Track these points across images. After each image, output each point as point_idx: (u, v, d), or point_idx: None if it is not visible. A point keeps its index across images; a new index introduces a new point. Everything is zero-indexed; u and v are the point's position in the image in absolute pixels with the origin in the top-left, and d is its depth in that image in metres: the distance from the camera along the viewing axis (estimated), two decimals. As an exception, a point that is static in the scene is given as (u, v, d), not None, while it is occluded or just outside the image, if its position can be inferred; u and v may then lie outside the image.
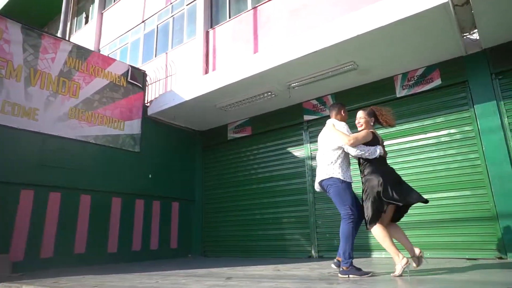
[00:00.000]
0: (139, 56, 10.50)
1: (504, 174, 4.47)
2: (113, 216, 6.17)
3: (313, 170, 6.20)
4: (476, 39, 4.86)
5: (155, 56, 9.88)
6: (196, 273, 4.07)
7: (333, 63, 5.19)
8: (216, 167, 7.79)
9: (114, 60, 6.82)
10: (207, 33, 8.61)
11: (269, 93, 6.01)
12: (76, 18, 13.94)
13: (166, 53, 9.50)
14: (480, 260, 4.30)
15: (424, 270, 3.35)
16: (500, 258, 4.31)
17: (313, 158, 6.25)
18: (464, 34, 4.89)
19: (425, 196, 4.80)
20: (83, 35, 12.93)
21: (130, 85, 6.81)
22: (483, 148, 4.65)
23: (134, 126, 6.71)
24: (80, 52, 6.05)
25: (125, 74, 6.75)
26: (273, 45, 5.31)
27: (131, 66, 6.93)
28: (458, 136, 4.94)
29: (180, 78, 8.33)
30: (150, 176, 6.89)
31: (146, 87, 7.36)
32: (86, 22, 13.37)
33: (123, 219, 6.30)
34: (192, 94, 6.29)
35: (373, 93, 5.75)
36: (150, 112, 7.02)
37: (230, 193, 7.37)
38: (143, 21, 10.73)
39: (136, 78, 6.94)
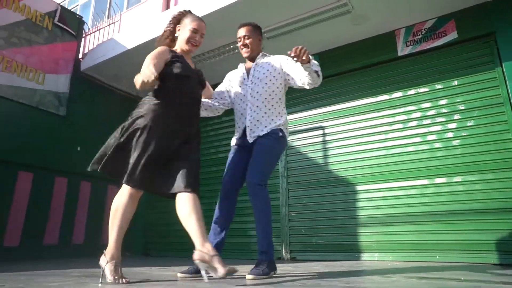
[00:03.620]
0: (89, 18, 8.85)
1: (540, 152, 3.35)
2: (18, 198, 4.54)
3: (287, 148, 4.88)
4: (506, -21, 3.75)
5: (108, 19, 8.29)
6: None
7: (323, 0, 3.92)
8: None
9: (35, -9, 5.23)
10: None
11: (236, 45, 4.63)
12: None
13: (121, 14, 7.95)
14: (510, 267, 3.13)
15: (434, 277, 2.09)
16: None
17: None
18: (492, -28, 3.78)
19: (437, 181, 3.68)
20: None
21: (58, 30, 5.23)
22: (514, 118, 3.52)
23: (60, 83, 5.13)
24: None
25: (52, 14, 5.17)
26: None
27: (62, 6, 5.36)
28: (479, 103, 3.77)
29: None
30: (78, 148, 5.31)
31: (83, 38, 5.81)
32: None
33: (33, 203, 4.68)
34: (137, 41, 4.82)
35: (368, 52, 4.54)
36: (83, 67, 5.46)
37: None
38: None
39: (67, 23, 5.36)
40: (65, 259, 4.57)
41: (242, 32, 2.66)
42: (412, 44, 4.28)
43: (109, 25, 6.44)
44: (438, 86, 4.05)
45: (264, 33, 4.38)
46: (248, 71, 2.66)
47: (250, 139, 2.50)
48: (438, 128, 3.92)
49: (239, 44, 2.68)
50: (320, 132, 4.68)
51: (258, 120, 2.49)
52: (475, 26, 3.93)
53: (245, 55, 2.66)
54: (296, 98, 4.95)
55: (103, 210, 5.58)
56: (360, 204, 4.20)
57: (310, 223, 4.47)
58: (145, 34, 4.72)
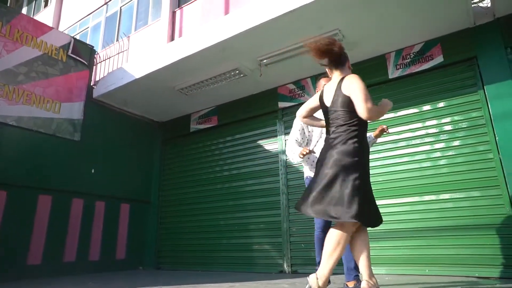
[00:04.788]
0: (99, 41, 9.32)
1: (522, 171, 3.56)
2: (39, 219, 4.92)
3: (287, 167, 5.17)
4: (487, 6, 3.99)
5: (117, 41, 8.72)
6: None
7: (315, 31, 4.19)
8: (176, 163, 6.64)
9: (51, 28, 5.63)
10: (173, 14, 7.56)
11: (237, 72, 4.96)
12: (35, 1, 12.62)
13: (129, 36, 8.37)
14: (493, 280, 3.34)
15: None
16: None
17: (288, 152, 5.22)
18: (474, 1, 4.01)
19: (426, 198, 3.92)
20: (41, 19, 11.61)
21: (72, 61, 5.63)
22: (496, 139, 3.73)
23: (74, 110, 5.52)
24: (0, 12, 4.86)
25: (66, 47, 5.57)
26: (243, 13, 4.30)
27: (74, 39, 5.77)
28: (464, 124, 4.01)
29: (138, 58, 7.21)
30: (92, 171, 5.69)
31: (94, 66, 6.21)
32: (46, 5, 12.08)
33: (52, 223, 5.06)
34: (144, 70, 5.17)
35: (361, 74, 4.74)
36: (95, 94, 5.85)
37: (191, 194, 6.23)
38: (105, 3, 9.59)
39: (81, 54, 5.77)
40: (83, 276, 4.93)
41: None
42: (401, 67, 4.53)
43: (118, 54, 6.84)
44: (426, 108, 4.29)
45: (262, 60, 4.74)
46: None
47: None
48: (427, 147, 4.16)
49: None
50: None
51: None
52: (459, 50, 4.17)
53: None
54: (290, 121, 5.24)
55: (117, 227, 5.96)
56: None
57: (310, 238, 4.72)
58: (152, 64, 5.07)
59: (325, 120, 2.39)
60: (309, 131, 3.00)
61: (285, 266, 4.84)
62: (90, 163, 5.70)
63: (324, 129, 2.73)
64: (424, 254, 3.87)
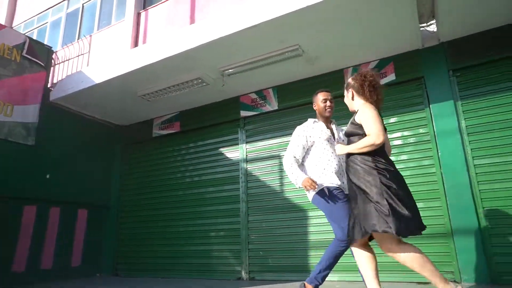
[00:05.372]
0: (59, 38, 8.96)
1: (460, 184, 3.87)
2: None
3: (247, 175, 5.27)
4: (433, 31, 4.29)
5: (78, 39, 8.43)
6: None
7: (276, 45, 4.33)
8: (138, 168, 6.55)
9: (4, 26, 5.38)
10: (138, 15, 7.44)
11: (199, 81, 4.99)
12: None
13: (90, 36, 8.13)
14: (431, 285, 3.62)
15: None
16: (454, 281, 3.65)
17: (248, 161, 5.32)
18: (422, 25, 4.31)
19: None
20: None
21: (27, 62, 5.40)
22: (439, 154, 4.04)
23: (28, 113, 5.30)
24: None
25: (20, 47, 5.34)
26: (207, 24, 4.34)
27: (30, 38, 5.54)
28: (412, 140, 4.30)
29: (100, 61, 7.02)
30: (47, 176, 5.50)
31: (52, 67, 5.99)
32: (0, -4, 11.41)
33: (2, 232, 4.84)
34: (106, 76, 5.07)
35: (321, 87, 4.90)
36: (52, 97, 5.64)
37: (152, 200, 6.17)
38: (67, -2, 9.23)
39: (37, 54, 5.54)
40: (34, 286, 4.77)
41: (330, 96, 3.00)
42: (357, 82, 4.76)
43: (78, 56, 6.64)
44: (379, 122, 4.53)
45: (224, 71, 4.81)
46: (330, 130, 2.96)
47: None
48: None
49: (328, 104, 2.95)
50: (277, 161, 5.08)
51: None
52: (409, 70, 4.46)
53: (328, 114, 2.96)
54: (256, 128, 5.37)
55: (73, 233, 5.79)
56: (313, 228, 4.62)
57: (268, 246, 4.85)
58: (114, 70, 4.98)
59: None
60: (309, 146, 2.90)
61: (243, 273, 4.93)
62: (45, 168, 5.50)
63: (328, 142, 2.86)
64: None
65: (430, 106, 4.21)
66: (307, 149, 2.89)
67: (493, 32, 4.05)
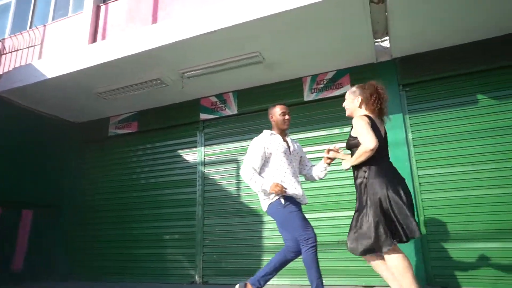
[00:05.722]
0: (7, 25, 8.39)
1: (406, 193, 4.11)
2: None
3: (205, 178, 5.25)
4: (387, 47, 4.53)
5: (30, 28, 7.96)
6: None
7: (237, 51, 4.36)
8: (93, 168, 6.30)
9: None
10: (97, 8, 7.16)
11: (159, 81, 4.91)
12: None
13: (45, 25, 7.70)
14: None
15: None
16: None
17: (206, 164, 5.31)
18: (376, 40, 4.53)
19: (330, 214, 4.32)
20: None
21: (-30, 50, 5.04)
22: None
23: (-30, 106, 4.95)
24: None
25: (-37, 34, 4.97)
26: (168, 24, 4.28)
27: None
28: (363, 149, 4.49)
29: (54, 54, 6.68)
30: (-10, 174, 5.15)
31: (-1, 57, 5.63)
32: None
33: None
34: (60, 71, 4.83)
35: (280, 94, 5.08)
36: (-2, 89, 5.30)
37: (107, 201, 5.96)
38: (18, -18, 8.67)
39: (-19, 43, 5.19)
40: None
41: (288, 110, 3.14)
42: (316, 91, 4.91)
43: (29, 47, 6.28)
44: (335, 131, 4.71)
45: (184, 73, 4.76)
46: (286, 142, 3.08)
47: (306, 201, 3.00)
48: (334, 168, 4.52)
49: (287, 117, 3.10)
50: (235, 165, 5.11)
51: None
52: (364, 82, 4.63)
53: (286, 127, 3.10)
54: (216, 131, 5.36)
55: (15, 236, 5.46)
56: (267, 233, 4.69)
57: (223, 250, 4.87)
58: (69, 65, 4.76)
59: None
60: (266, 157, 2.96)
61: (196, 277, 4.90)
62: (-13, 165, 5.15)
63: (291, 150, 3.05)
64: (326, 266, 4.21)
65: (382, 118, 4.42)
66: (264, 160, 2.95)
67: (443, 51, 4.33)
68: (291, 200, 2.83)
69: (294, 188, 2.87)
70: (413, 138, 4.28)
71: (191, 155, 5.46)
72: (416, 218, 3.97)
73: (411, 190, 4.05)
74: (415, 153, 4.22)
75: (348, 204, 4.32)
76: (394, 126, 4.32)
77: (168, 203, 5.40)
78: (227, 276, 4.75)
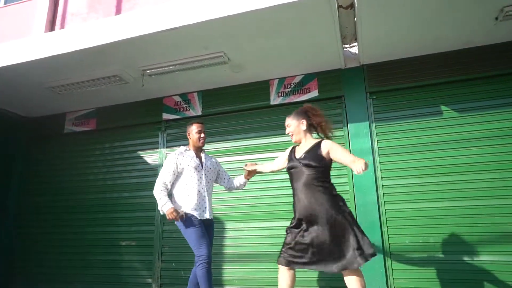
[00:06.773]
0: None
1: (369, 203, 4.06)
2: None
3: (166, 181, 4.98)
4: (355, 53, 4.44)
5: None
6: None
7: (201, 50, 4.13)
8: (45, 166, 5.86)
9: None
10: (57, -6, 6.69)
11: (117, 78, 4.60)
12: None
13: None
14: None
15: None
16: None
17: (168, 166, 5.04)
18: (345, 46, 4.43)
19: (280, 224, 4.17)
20: None
21: None
22: (353, 173, 4.18)
23: None
24: None
25: None
26: (127, 18, 3.98)
27: None
28: (329, 157, 4.39)
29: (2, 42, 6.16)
30: None
31: None
32: None
33: None
34: (7, 61, 4.40)
35: (247, 96, 4.90)
36: None
37: (59, 203, 5.56)
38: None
39: None
40: None
41: (204, 128, 3.40)
42: (283, 95, 4.76)
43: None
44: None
45: (145, 70, 4.49)
46: (200, 159, 3.35)
47: (211, 216, 3.27)
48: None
49: (202, 135, 3.37)
50: (197, 169, 4.88)
51: (211, 203, 3.29)
52: (331, 88, 4.56)
53: (202, 145, 3.38)
54: (178, 133, 5.11)
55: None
56: (229, 241, 4.51)
57: (181, 257, 4.64)
58: (19, 55, 4.32)
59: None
60: (178, 172, 3.21)
61: (153, 285, 4.66)
62: None
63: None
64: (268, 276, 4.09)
65: (348, 125, 4.34)
66: (176, 175, 3.21)
67: (410, 60, 4.29)
68: (193, 216, 3.09)
69: (196, 204, 3.13)
70: (378, 147, 4.21)
71: (151, 157, 5.18)
72: (380, 229, 3.95)
73: (375, 200, 4.03)
74: (380, 162, 4.16)
75: (278, 214, 4.37)
76: (360, 134, 4.26)
77: (126, 207, 5.10)
78: (186, 285, 4.50)
